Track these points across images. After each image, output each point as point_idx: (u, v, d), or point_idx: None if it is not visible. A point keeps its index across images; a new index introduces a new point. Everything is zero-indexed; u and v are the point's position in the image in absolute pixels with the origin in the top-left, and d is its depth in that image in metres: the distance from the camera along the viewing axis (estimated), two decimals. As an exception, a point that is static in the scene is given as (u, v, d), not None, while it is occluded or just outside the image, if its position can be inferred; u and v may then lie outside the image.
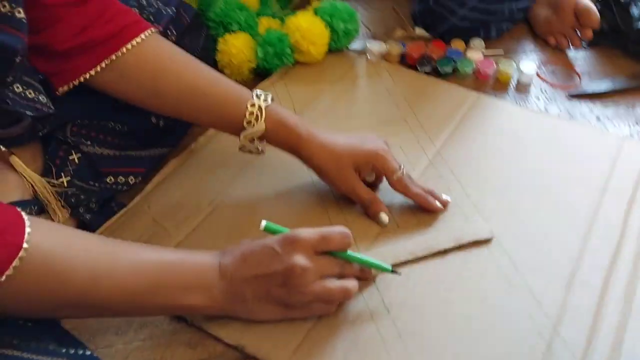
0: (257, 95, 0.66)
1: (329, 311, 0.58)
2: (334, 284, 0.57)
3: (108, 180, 0.70)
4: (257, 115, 0.65)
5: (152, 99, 0.67)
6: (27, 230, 0.45)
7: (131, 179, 0.72)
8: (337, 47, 0.96)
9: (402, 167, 0.68)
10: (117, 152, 0.71)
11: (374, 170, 0.69)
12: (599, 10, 0.97)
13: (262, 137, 0.66)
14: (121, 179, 0.71)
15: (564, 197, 0.73)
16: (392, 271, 0.61)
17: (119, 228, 0.68)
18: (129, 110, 0.72)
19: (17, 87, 0.57)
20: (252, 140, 0.66)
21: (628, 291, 0.62)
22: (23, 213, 0.46)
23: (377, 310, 0.60)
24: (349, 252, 0.59)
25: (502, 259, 0.65)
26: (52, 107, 0.60)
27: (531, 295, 0.62)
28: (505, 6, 1.00)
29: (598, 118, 0.87)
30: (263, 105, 0.65)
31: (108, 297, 0.49)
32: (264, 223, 0.58)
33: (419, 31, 1.02)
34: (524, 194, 0.73)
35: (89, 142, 0.69)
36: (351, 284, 0.58)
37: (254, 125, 0.65)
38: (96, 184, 0.69)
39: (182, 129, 0.80)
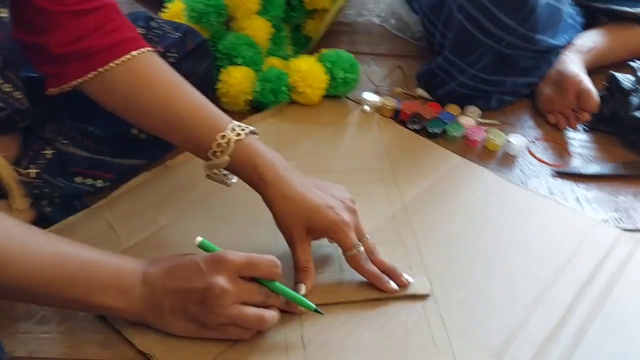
0: (233, 128, 0.64)
1: (244, 336, 0.59)
2: (252, 310, 0.57)
3: (76, 180, 0.73)
4: (223, 148, 0.63)
5: (131, 114, 0.69)
6: None
7: (99, 183, 0.75)
8: (334, 94, 0.99)
9: (366, 237, 0.65)
10: (90, 154, 0.75)
11: (329, 239, 0.65)
12: (601, 96, 0.97)
13: (228, 170, 0.65)
14: (89, 181, 0.74)
15: (518, 269, 0.71)
16: (316, 310, 0.60)
17: (75, 226, 0.71)
18: (112, 118, 0.76)
19: None
20: (216, 171, 0.66)
21: (555, 373, 0.60)
22: None
23: (293, 345, 0.60)
24: (276, 283, 0.59)
25: (433, 318, 0.64)
26: (25, 103, 0.64)
27: (454, 360, 0.60)
28: (508, 79, 1.00)
29: (577, 199, 0.85)
30: (234, 139, 0.63)
31: (19, 281, 0.51)
32: (199, 239, 0.60)
33: (420, 92, 1.04)
34: (477, 259, 0.72)
35: (65, 141, 0.73)
36: (269, 313, 0.58)
37: (218, 157, 0.64)
38: (63, 181, 0.72)
39: (161, 148, 0.82)
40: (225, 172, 0.66)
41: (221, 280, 0.55)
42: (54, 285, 0.52)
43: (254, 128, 0.66)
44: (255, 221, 0.73)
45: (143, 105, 0.67)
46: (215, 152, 0.64)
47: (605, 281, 0.71)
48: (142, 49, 0.68)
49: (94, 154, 0.75)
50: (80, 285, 0.53)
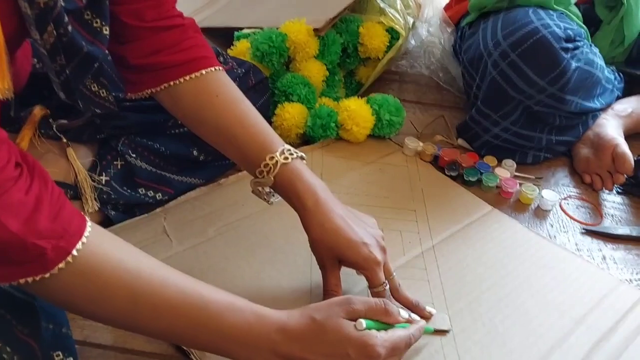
0: (282, 151, 0.68)
1: None
2: None
3: (140, 190, 0.82)
4: (270, 168, 0.68)
5: (194, 124, 0.74)
6: (84, 240, 0.49)
7: (159, 195, 0.83)
8: (379, 134, 1.06)
9: (393, 275, 0.69)
10: (155, 169, 0.83)
11: (357, 271, 0.69)
12: (636, 160, 1.00)
13: (273, 189, 0.70)
14: (151, 192, 0.83)
15: (536, 318, 0.75)
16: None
17: (133, 227, 0.79)
18: (176, 140, 0.85)
19: (93, 87, 0.68)
20: (261, 189, 0.70)
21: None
22: (89, 222, 0.51)
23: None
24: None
25: (450, 353, 0.68)
26: (115, 107, 0.71)
27: (465, 394, 0.64)
28: (543, 136, 1.04)
29: (604, 258, 0.88)
30: (281, 161, 0.67)
31: (152, 320, 0.53)
32: (363, 325, 0.58)
33: (461, 142, 1.10)
34: (497, 304, 0.76)
35: (134, 155, 0.82)
36: None
37: (264, 176, 0.69)
38: (128, 190, 0.81)
39: (217, 170, 0.91)
40: (269, 190, 0.71)
41: None
42: (186, 331, 0.54)
43: (303, 154, 0.70)
44: (295, 241, 0.78)
45: (203, 118, 0.71)
46: (262, 171, 0.68)
47: (623, 338, 0.73)
48: (212, 68, 0.72)
49: (158, 169, 0.83)
50: (212, 334, 0.54)
